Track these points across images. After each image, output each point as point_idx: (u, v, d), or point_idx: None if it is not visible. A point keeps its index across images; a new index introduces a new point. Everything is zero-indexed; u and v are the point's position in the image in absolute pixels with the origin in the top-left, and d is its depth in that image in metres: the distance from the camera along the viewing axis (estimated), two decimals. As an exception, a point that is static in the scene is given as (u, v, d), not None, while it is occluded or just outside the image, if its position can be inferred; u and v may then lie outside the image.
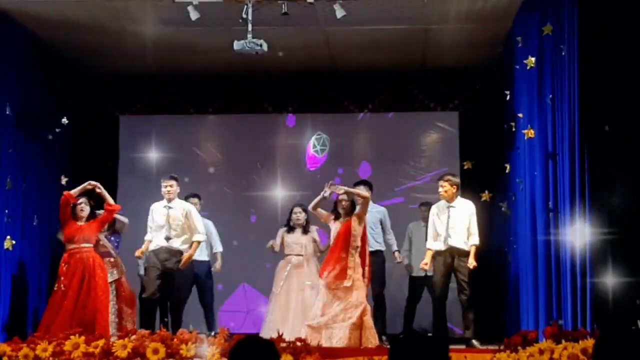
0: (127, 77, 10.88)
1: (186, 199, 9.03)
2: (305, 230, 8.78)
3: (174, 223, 8.47)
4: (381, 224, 9.13)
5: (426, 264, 8.24)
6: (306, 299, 8.51)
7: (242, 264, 10.40)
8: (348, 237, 7.97)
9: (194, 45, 9.73)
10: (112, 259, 8.53)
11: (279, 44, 9.03)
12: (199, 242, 8.58)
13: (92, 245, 8.21)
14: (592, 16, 6.94)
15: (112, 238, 8.80)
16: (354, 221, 8.04)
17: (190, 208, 8.66)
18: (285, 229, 8.86)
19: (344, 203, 8.10)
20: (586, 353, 6.03)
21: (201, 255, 9.11)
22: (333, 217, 8.17)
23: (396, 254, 9.29)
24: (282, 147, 11.29)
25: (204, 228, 8.72)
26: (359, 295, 7.84)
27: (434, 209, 8.41)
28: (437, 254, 8.21)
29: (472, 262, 8.06)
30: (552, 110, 7.54)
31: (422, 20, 8.96)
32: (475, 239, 8.18)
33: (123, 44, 9.63)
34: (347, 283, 7.79)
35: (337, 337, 7.63)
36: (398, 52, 10.02)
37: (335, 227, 8.11)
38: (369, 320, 7.84)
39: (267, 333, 8.17)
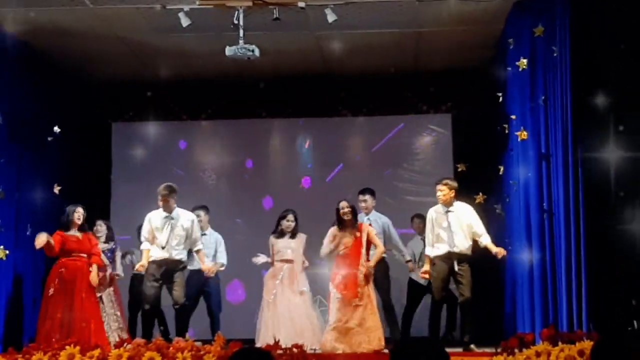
0: (119, 84, 10.85)
1: (193, 210, 9.03)
2: (294, 235, 8.75)
3: (177, 233, 8.44)
4: (384, 233, 9.06)
5: (426, 272, 8.17)
6: (299, 306, 8.50)
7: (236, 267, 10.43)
8: (360, 250, 8.03)
9: (186, 52, 9.71)
10: (110, 271, 8.83)
11: (270, 49, 9.02)
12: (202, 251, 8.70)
13: (85, 255, 8.27)
14: (584, 17, 6.96)
15: (107, 252, 8.97)
16: (364, 236, 8.08)
17: (194, 218, 8.67)
18: (273, 235, 8.80)
19: (346, 210, 8.10)
20: (583, 355, 6.02)
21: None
22: (338, 230, 8.12)
23: (410, 264, 9.13)
24: (276, 152, 11.27)
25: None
26: (371, 301, 7.95)
27: (432, 213, 8.29)
28: (436, 259, 8.13)
29: (500, 250, 7.97)
30: (544, 112, 7.55)
31: (414, 24, 8.96)
32: (487, 238, 8.11)
33: (114, 51, 9.62)
34: (357, 302, 7.88)
35: (364, 342, 7.77)
36: (390, 56, 10.01)
37: (345, 240, 8.09)
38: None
39: (261, 342, 8.16)
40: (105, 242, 9.01)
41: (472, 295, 8.00)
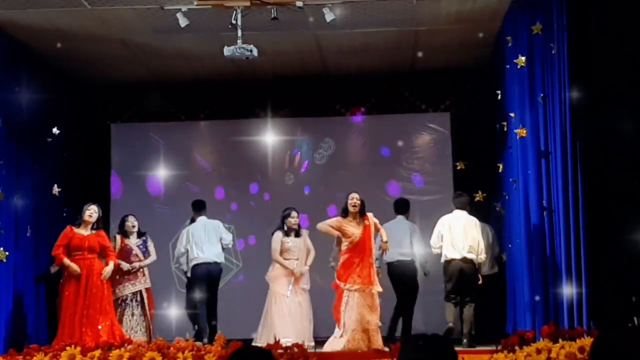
0: (117, 85, 10.86)
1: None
2: (298, 234, 8.79)
3: None
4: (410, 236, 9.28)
5: None
6: (303, 303, 8.57)
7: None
8: (370, 242, 8.07)
9: (184, 52, 9.71)
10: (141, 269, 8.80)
11: (269, 49, 9.02)
12: None
13: (96, 254, 8.28)
14: (581, 14, 6.96)
15: (140, 245, 8.96)
16: (372, 225, 8.10)
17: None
18: (281, 234, 8.82)
19: (355, 201, 8.12)
20: (583, 351, 6.02)
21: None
22: (343, 219, 8.15)
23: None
24: (275, 151, 11.27)
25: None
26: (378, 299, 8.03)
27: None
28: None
29: None
30: (543, 109, 7.55)
31: (411, 22, 8.96)
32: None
33: (113, 52, 9.62)
34: (378, 288, 7.97)
35: (379, 342, 7.83)
36: (388, 55, 10.01)
37: (353, 230, 8.09)
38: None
39: (265, 337, 8.20)
40: (137, 237, 9.01)
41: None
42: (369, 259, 8.01)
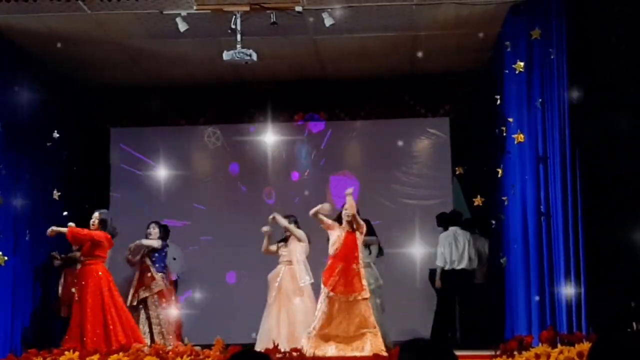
0: (117, 89, 10.86)
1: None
2: (287, 238, 8.76)
3: None
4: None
5: None
6: (296, 307, 8.51)
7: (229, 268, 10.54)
8: (355, 248, 7.98)
9: (184, 57, 9.72)
10: (149, 274, 8.86)
11: (268, 53, 9.03)
12: None
13: (90, 257, 8.29)
14: (580, 20, 6.99)
15: (157, 254, 9.03)
16: (358, 235, 8.02)
17: None
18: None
19: (348, 211, 8.08)
20: (582, 356, 6.02)
21: None
22: (337, 226, 8.12)
23: None
24: (275, 154, 11.27)
25: None
26: (368, 306, 7.89)
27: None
28: None
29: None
30: (542, 114, 7.56)
31: (410, 27, 8.97)
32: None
33: (112, 56, 9.63)
34: (365, 294, 7.81)
35: (363, 349, 7.69)
36: (388, 59, 10.02)
37: (337, 234, 8.05)
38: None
39: (261, 343, 8.16)
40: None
41: None
42: (353, 266, 7.92)
